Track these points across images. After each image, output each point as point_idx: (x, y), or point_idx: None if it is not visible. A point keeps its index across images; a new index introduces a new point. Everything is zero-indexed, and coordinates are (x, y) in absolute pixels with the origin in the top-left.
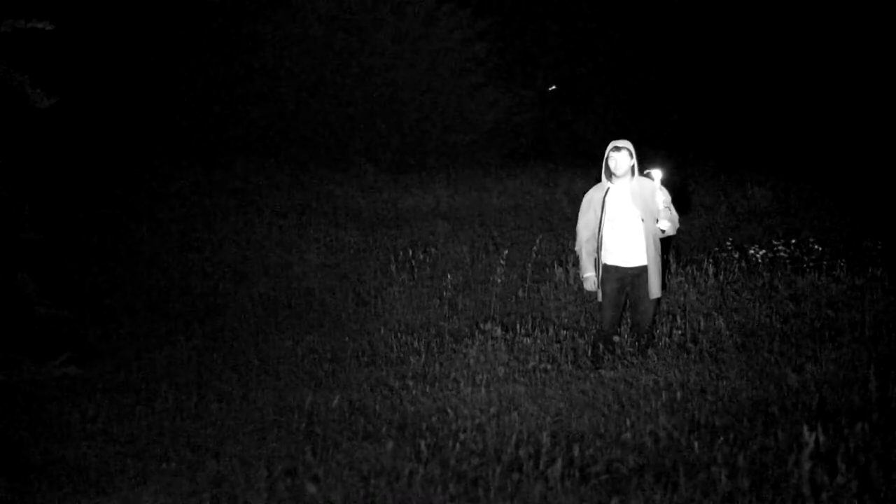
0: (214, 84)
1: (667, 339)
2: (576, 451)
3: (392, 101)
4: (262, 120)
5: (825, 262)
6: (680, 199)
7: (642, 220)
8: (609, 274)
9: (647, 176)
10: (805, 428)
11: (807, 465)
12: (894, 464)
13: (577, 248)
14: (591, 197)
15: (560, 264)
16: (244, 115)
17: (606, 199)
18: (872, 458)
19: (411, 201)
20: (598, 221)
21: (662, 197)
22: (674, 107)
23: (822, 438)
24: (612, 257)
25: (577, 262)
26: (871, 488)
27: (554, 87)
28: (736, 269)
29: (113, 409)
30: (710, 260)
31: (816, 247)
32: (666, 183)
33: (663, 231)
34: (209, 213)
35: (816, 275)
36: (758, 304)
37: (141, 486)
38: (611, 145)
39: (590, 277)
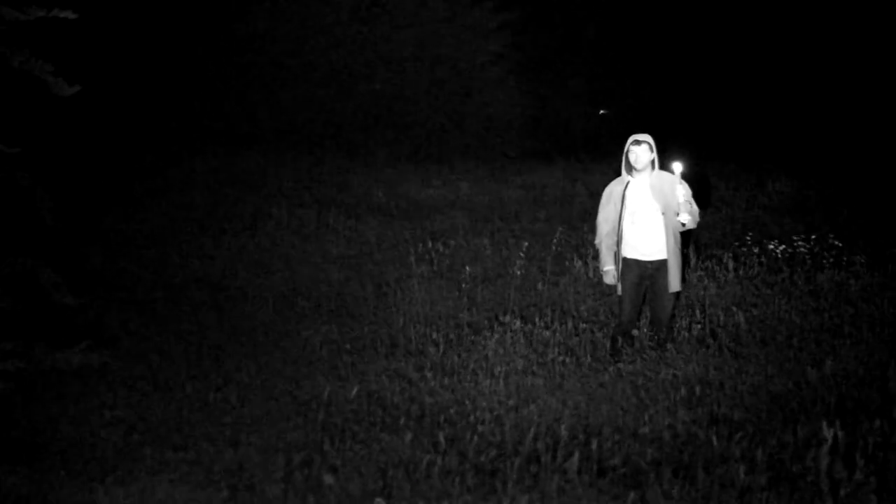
0: (233, 72)
1: (686, 334)
2: (594, 445)
3: (412, 93)
4: (282, 110)
5: (845, 259)
6: (700, 194)
7: (662, 213)
8: (629, 268)
9: (668, 170)
10: (824, 424)
11: (825, 461)
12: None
13: (596, 242)
14: (612, 190)
15: (580, 258)
16: (263, 104)
17: (626, 192)
18: (891, 455)
19: (431, 193)
20: (619, 215)
21: (682, 191)
22: (693, 102)
23: (840, 434)
24: (631, 251)
25: (596, 256)
26: (890, 485)
27: (604, 111)
28: (755, 265)
29: (132, 397)
30: (730, 255)
31: (836, 242)
32: (686, 177)
33: (683, 225)
34: (228, 202)
35: (836, 271)
36: (777, 300)
37: (158, 474)
38: (631, 139)
39: (609, 271)
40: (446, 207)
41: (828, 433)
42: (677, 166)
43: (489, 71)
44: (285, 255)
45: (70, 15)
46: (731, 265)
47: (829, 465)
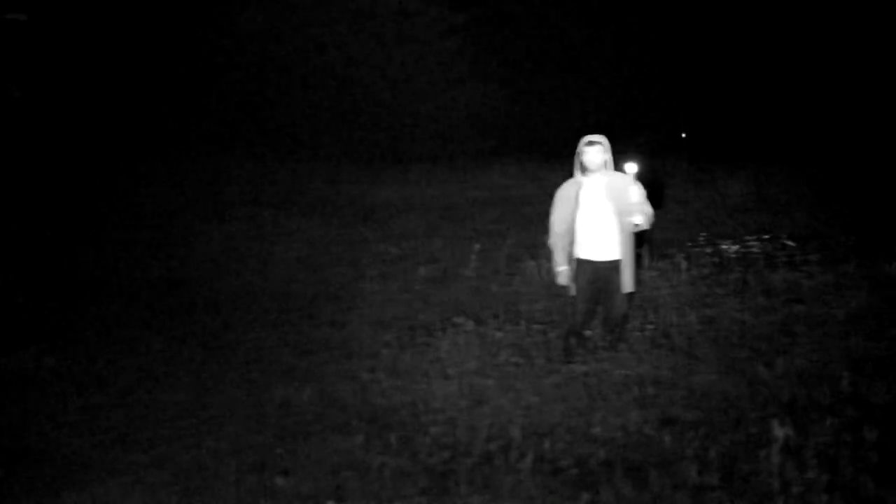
0: (180, 76)
1: (639, 334)
2: (546, 445)
3: (365, 94)
4: (233, 112)
5: (797, 258)
6: (653, 194)
7: (616, 214)
8: (582, 268)
9: (621, 170)
10: (775, 423)
11: (777, 460)
12: (864, 459)
13: (550, 243)
14: (566, 191)
15: (533, 258)
16: (215, 106)
17: (581, 193)
18: (842, 453)
19: (386, 194)
20: (572, 216)
21: (636, 191)
22: (655, 101)
23: (792, 433)
24: (585, 251)
25: (550, 256)
26: (841, 483)
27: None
28: (708, 264)
29: (88, 400)
30: (683, 255)
31: (789, 242)
32: (639, 177)
33: (637, 225)
34: (183, 205)
35: (789, 270)
36: (730, 300)
37: (112, 477)
38: (584, 140)
39: (563, 271)
40: (401, 208)
41: (779, 432)
42: (631, 167)
43: (446, 72)
44: (240, 257)
45: (21, 17)
46: (683, 265)
47: (780, 465)
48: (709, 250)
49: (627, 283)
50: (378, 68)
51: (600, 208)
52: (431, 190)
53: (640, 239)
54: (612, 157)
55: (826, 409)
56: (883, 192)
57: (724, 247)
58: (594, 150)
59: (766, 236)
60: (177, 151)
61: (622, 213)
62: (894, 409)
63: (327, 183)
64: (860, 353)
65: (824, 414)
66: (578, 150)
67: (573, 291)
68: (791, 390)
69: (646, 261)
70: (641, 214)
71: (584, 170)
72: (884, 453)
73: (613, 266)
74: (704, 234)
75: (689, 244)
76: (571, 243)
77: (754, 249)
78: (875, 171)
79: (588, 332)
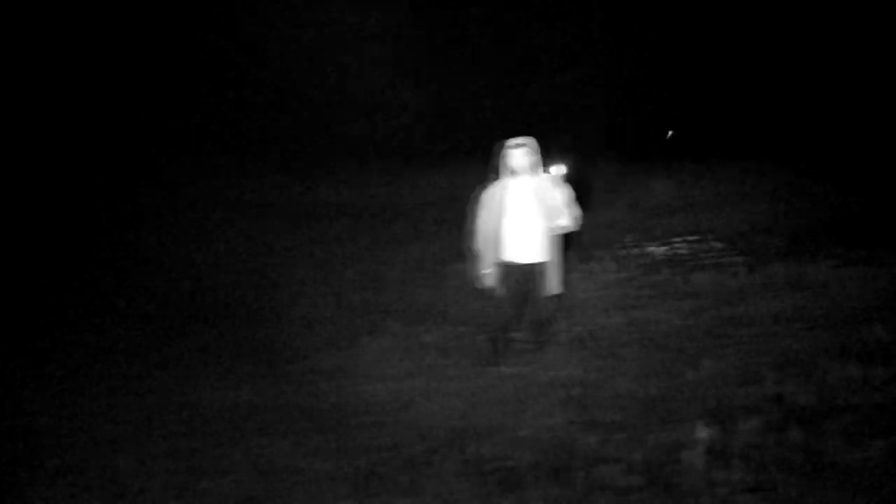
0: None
1: (566, 336)
2: (472, 448)
3: (296, 94)
4: (160, 110)
5: (725, 259)
6: (581, 195)
7: (542, 216)
8: (508, 270)
9: (548, 172)
10: (700, 424)
11: (701, 462)
12: (788, 460)
13: (476, 245)
14: (492, 193)
15: (461, 260)
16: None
17: (506, 195)
18: (767, 455)
19: (318, 196)
20: (499, 218)
21: (562, 193)
22: (579, 102)
23: (716, 435)
24: (511, 254)
25: (476, 259)
26: (765, 484)
27: (671, 132)
28: (635, 266)
29: (5, 405)
30: (611, 257)
31: (717, 243)
32: (567, 179)
33: (563, 228)
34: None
35: (716, 272)
36: (656, 301)
37: (30, 485)
38: (511, 142)
39: (488, 273)
40: (332, 210)
41: (704, 434)
42: (557, 169)
43: (379, 73)
44: (168, 256)
45: None
46: (611, 267)
47: (705, 466)
48: (636, 252)
49: (554, 285)
50: (305, 67)
51: (526, 211)
52: (364, 192)
53: (568, 241)
54: (540, 159)
55: (751, 410)
56: (824, 191)
57: (651, 248)
58: (520, 153)
59: (694, 238)
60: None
61: (548, 216)
62: (819, 409)
63: (259, 184)
64: (785, 355)
65: (749, 415)
66: (504, 152)
67: (500, 294)
68: (716, 392)
69: (573, 262)
70: (568, 217)
71: (510, 171)
72: (809, 454)
73: (539, 268)
74: (633, 235)
75: (618, 246)
76: (498, 246)
77: (682, 251)
78: (820, 171)
79: (515, 335)
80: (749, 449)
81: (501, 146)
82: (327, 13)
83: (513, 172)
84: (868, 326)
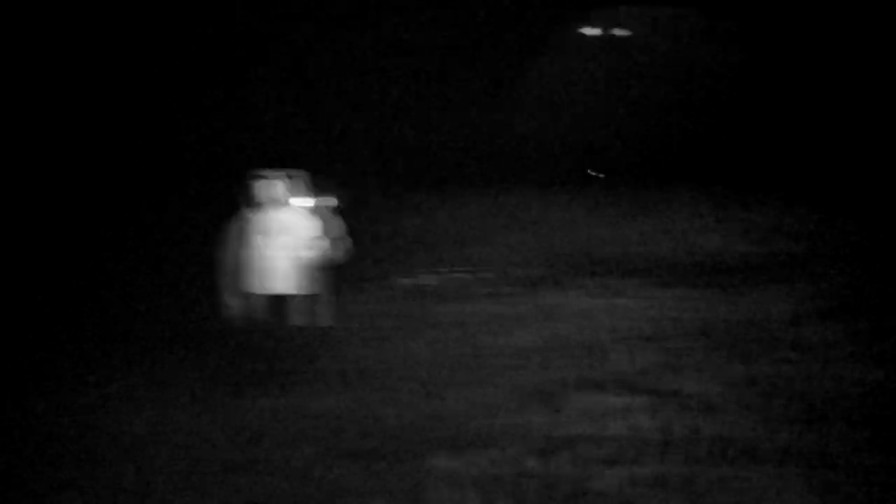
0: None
1: (324, 367)
2: (218, 480)
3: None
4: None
5: (472, 290)
6: (335, 227)
7: (293, 247)
8: (256, 301)
9: (312, 203)
10: (439, 454)
11: (436, 490)
12: (522, 488)
13: (223, 276)
14: (240, 224)
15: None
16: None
17: (256, 226)
18: (502, 485)
19: None
20: (247, 249)
21: (315, 224)
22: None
23: (454, 464)
24: (260, 285)
25: (223, 291)
26: None
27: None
28: (384, 298)
29: None
30: (360, 288)
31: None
32: (338, 210)
33: (316, 259)
34: None
35: (459, 302)
36: (402, 333)
37: None
38: (259, 174)
39: (236, 305)
40: None
41: (441, 463)
42: (325, 200)
43: None
44: None
45: None
46: (361, 298)
47: (440, 496)
48: (407, 283)
49: (304, 316)
50: None
51: (277, 241)
52: None
53: (323, 272)
54: (302, 190)
55: (489, 441)
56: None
57: (399, 280)
58: (270, 184)
59: (444, 269)
60: None
61: (304, 247)
62: (557, 439)
63: None
64: (527, 386)
65: (488, 446)
66: (252, 183)
67: (248, 324)
68: (457, 422)
69: (324, 295)
70: (320, 248)
71: (261, 202)
72: (545, 484)
73: (289, 299)
74: (383, 267)
75: (367, 277)
76: (246, 277)
77: (428, 283)
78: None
79: (274, 365)
80: (483, 478)
81: (255, 177)
82: None
83: (264, 203)
84: (612, 356)
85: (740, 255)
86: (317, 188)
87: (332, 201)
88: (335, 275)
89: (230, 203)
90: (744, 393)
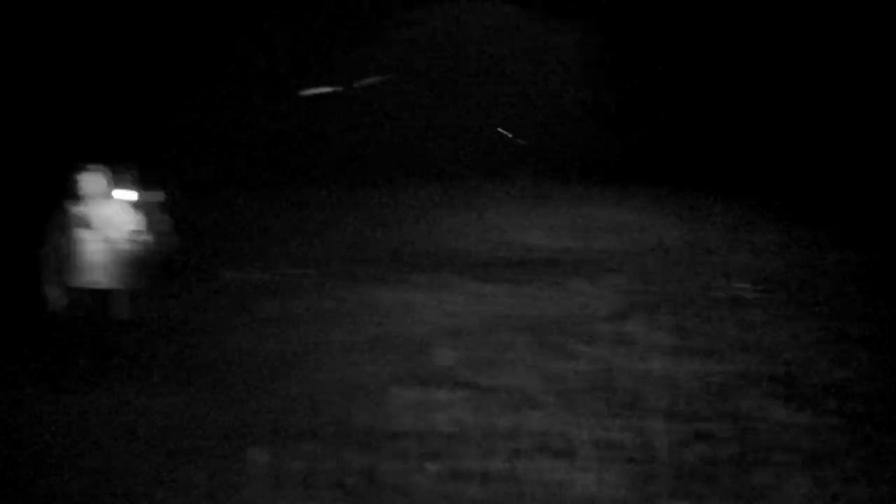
0: None
1: (134, 363)
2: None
3: None
4: None
5: (300, 286)
6: (158, 221)
7: (114, 241)
8: (77, 295)
9: (125, 197)
10: (260, 449)
11: (254, 485)
12: (343, 482)
13: (46, 269)
14: (63, 217)
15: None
16: None
17: (76, 220)
18: (320, 478)
19: None
20: (70, 242)
21: (137, 218)
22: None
23: (274, 459)
24: (81, 278)
25: (47, 283)
26: None
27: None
28: (211, 293)
29: None
30: (186, 283)
31: (292, 270)
32: (145, 204)
33: (137, 253)
34: None
35: (307, 299)
36: (226, 328)
37: None
38: (81, 167)
39: (56, 297)
40: None
41: (261, 457)
42: (132, 194)
43: None
44: None
45: None
46: (187, 294)
47: (263, 491)
48: (216, 278)
49: (123, 309)
50: None
51: (96, 235)
52: None
53: (155, 266)
54: (117, 183)
55: (311, 435)
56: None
57: (230, 275)
58: (90, 178)
59: (275, 265)
60: None
61: (121, 240)
62: (378, 433)
63: None
64: (350, 381)
65: (309, 440)
66: (74, 177)
67: (71, 318)
68: (279, 417)
69: (148, 288)
70: (141, 242)
71: (81, 196)
72: (367, 478)
73: (108, 293)
74: (218, 260)
75: (201, 271)
76: (67, 270)
77: (259, 278)
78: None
79: (89, 360)
80: (306, 472)
81: (79, 170)
82: None
83: (89, 196)
84: (435, 351)
85: (566, 250)
86: (145, 182)
87: (158, 196)
88: (161, 269)
89: (54, 195)
90: (565, 387)
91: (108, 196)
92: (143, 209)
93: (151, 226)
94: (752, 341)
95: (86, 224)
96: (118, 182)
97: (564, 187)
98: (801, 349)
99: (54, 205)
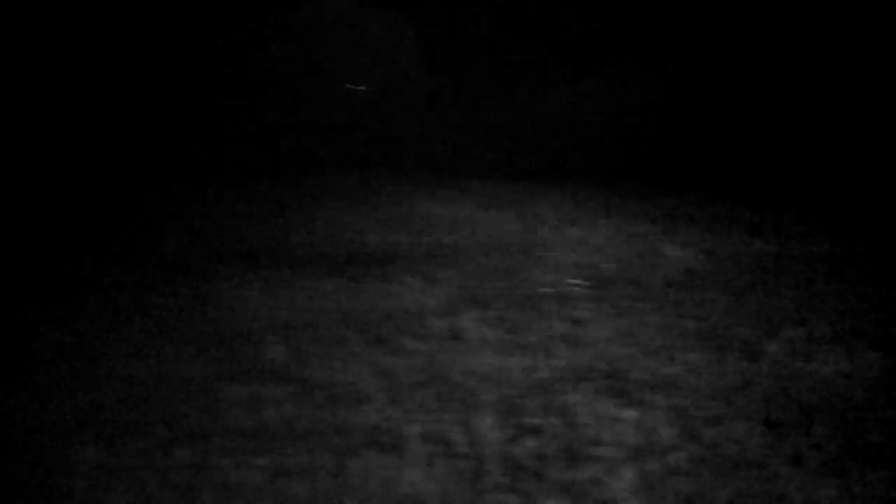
0: None
1: None
2: None
3: None
4: None
5: (123, 281)
6: None
7: None
8: None
9: None
10: (85, 447)
11: (81, 483)
12: (171, 476)
13: None
14: None
15: None
16: None
17: None
18: (149, 472)
19: None
20: None
21: None
22: None
23: (101, 455)
24: None
25: None
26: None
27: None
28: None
29: None
30: None
31: (118, 265)
32: None
33: None
34: None
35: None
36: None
37: None
38: None
39: None
40: None
41: (86, 455)
42: None
43: None
44: None
45: None
46: None
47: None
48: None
49: None
50: None
51: None
52: None
53: None
54: None
55: (139, 432)
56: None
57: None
58: None
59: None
60: None
61: None
62: (207, 428)
63: None
64: (179, 377)
65: (138, 437)
66: None
67: None
68: (105, 414)
69: None
70: None
71: None
72: (194, 473)
73: None
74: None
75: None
76: None
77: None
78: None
79: None
80: (134, 467)
81: None
82: None
83: None
84: (265, 346)
85: (396, 244)
86: None
87: None
88: None
89: None
90: (394, 383)
91: None
92: None
93: None
94: (581, 336)
95: None
96: None
97: (393, 175)
98: (630, 345)
99: None
